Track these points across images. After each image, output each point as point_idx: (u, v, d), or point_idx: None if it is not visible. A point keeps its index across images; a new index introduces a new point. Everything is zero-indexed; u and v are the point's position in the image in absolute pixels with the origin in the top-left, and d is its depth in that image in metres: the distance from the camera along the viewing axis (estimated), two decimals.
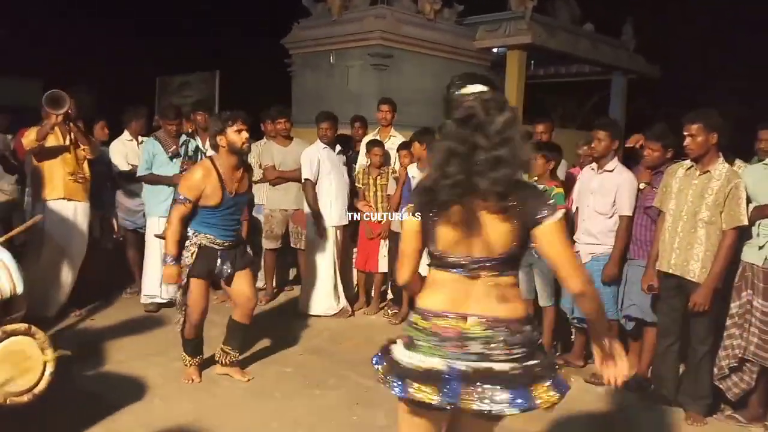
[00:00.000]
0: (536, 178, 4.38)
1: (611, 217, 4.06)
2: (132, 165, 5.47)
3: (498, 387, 1.76)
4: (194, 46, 12.15)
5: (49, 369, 2.72)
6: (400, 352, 1.90)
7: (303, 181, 5.23)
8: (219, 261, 3.72)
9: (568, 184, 4.55)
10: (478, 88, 1.85)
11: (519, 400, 1.76)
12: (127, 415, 3.37)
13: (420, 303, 1.94)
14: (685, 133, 3.54)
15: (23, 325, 2.75)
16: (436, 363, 1.81)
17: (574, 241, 4.24)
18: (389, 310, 5.40)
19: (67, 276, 4.80)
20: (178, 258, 3.67)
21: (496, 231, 1.82)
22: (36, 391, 2.71)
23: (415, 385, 1.80)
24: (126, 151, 5.54)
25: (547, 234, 1.82)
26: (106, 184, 5.43)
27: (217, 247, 3.71)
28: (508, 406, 1.75)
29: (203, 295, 3.77)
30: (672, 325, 3.73)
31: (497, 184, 1.75)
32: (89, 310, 5.12)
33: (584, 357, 4.43)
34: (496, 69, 9.62)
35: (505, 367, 1.80)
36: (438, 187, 1.80)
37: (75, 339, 4.46)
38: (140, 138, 5.64)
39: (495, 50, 9.39)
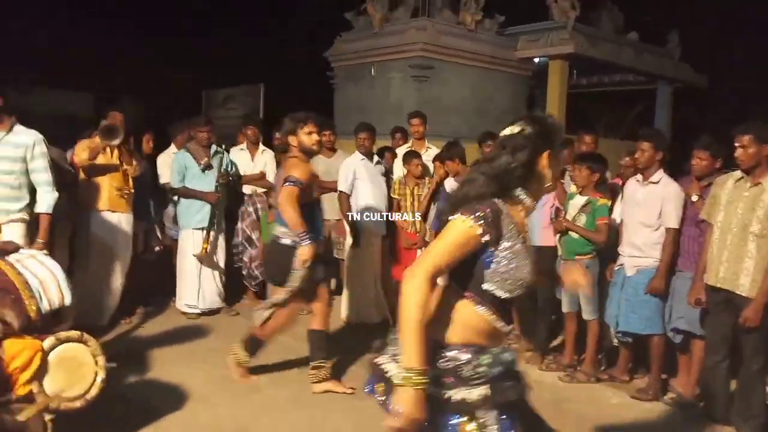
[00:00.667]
0: (581, 189, 4.34)
1: (657, 229, 3.98)
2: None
3: None
4: (239, 59, 12.42)
5: (101, 375, 2.82)
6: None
7: (338, 192, 5.29)
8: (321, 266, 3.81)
9: (611, 195, 4.49)
10: (513, 129, 1.88)
11: None
12: (171, 421, 3.45)
13: None
14: (737, 144, 3.46)
15: (76, 333, 2.86)
16: None
17: (618, 255, 4.17)
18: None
19: (116, 284, 4.94)
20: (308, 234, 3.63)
21: None
22: (88, 397, 2.81)
23: None
24: (171, 163, 5.69)
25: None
26: (149, 197, 5.57)
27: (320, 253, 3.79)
28: None
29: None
30: (721, 340, 3.62)
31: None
32: (137, 318, 5.26)
33: (629, 372, 4.34)
34: (537, 79, 9.56)
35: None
36: None
37: (122, 346, 4.59)
38: None
39: (536, 60, 9.33)
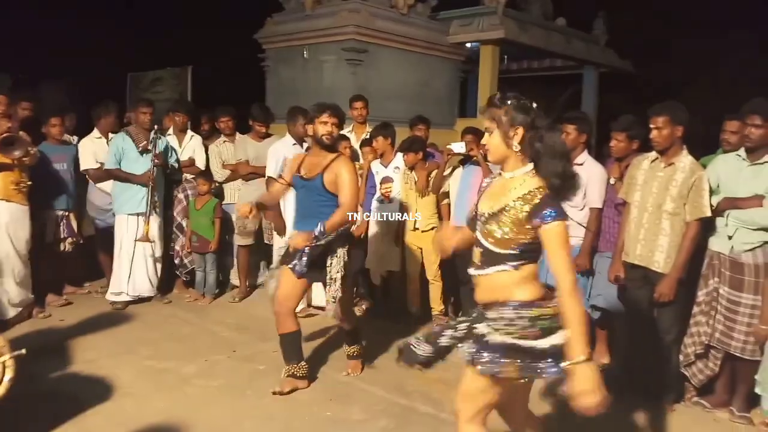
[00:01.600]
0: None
1: (582, 209, 4.12)
2: (101, 163, 5.40)
3: None
4: (166, 40, 11.99)
5: (9, 375, 2.67)
6: (542, 343, 2.12)
7: (266, 178, 5.18)
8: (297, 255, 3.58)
9: None
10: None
11: None
12: (98, 415, 3.35)
13: (534, 296, 2.19)
14: (651, 126, 3.59)
15: None
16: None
17: None
18: (362, 305, 5.41)
19: (16, 277, 4.64)
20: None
21: None
22: None
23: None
24: (95, 149, 5.47)
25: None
26: (67, 184, 5.31)
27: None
28: None
29: (286, 282, 3.62)
30: (638, 314, 3.80)
31: None
32: (58, 310, 5.05)
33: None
34: (469, 64, 9.67)
35: None
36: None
37: (43, 339, 4.40)
38: (110, 135, 5.57)
39: (468, 45, 9.43)
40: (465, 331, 2.31)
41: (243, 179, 5.56)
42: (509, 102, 2.21)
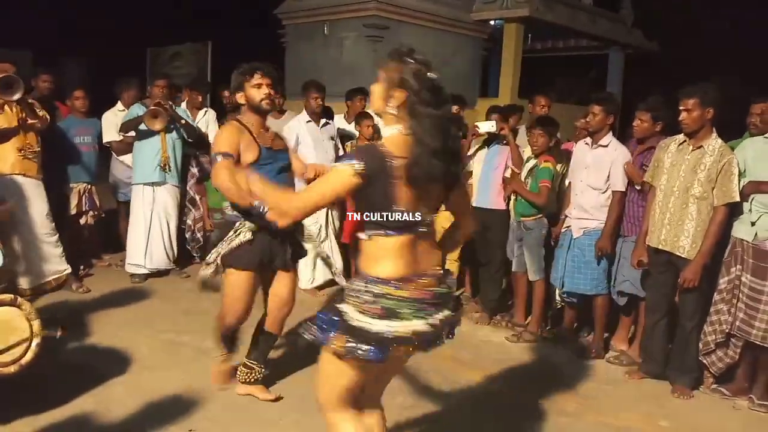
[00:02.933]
0: (537, 154, 4.37)
1: (605, 192, 4.04)
2: (125, 136, 5.42)
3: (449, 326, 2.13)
4: (186, 15, 11.95)
5: (36, 340, 2.72)
6: (373, 324, 1.96)
7: None
8: (271, 251, 3.11)
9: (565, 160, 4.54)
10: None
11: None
12: (117, 386, 3.38)
13: (383, 273, 1.99)
14: (681, 108, 3.50)
15: (9, 296, 2.75)
16: (418, 325, 1.99)
17: (565, 216, 4.23)
18: None
19: (35, 251, 4.63)
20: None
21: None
22: (23, 362, 2.71)
23: (394, 346, 1.98)
24: (117, 122, 5.47)
25: None
26: (90, 157, 5.33)
27: (271, 230, 2.96)
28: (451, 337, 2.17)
29: (249, 291, 3.15)
30: (661, 300, 3.74)
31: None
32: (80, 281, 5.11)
33: (574, 331, 4.45)
34: (492, 42, 9.51)
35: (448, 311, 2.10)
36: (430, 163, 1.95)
37: (64, 311, 4.46)
38: None
39: (492, 23, 9.26)
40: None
41: None
42: (408, 61, 2.02)
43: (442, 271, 2.12)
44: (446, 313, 2.08)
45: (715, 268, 3.60)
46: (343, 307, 2.00)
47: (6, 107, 4.41)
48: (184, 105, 5.79)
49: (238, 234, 3.06)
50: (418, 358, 3.86)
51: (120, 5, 11.71)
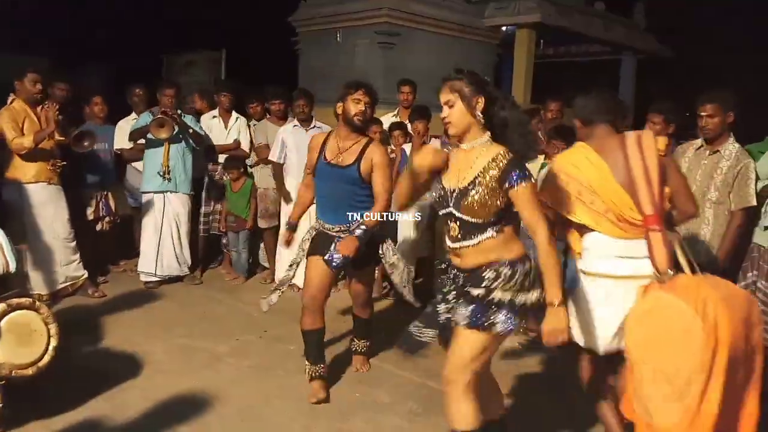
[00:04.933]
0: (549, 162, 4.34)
1: None
2: (136, 144, 5.47)
3: None
4: (200, 23, 12.06)
5: (53, 343, 2.75)
6: (531, 296, 2.38)
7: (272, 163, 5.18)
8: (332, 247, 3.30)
9: None
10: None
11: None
12: (131, 390, 3.40)
13: (519, 251, 2.41)
14: (702, 114, 3.49)
15: (28, 299, 2.79)
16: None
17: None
18: (391, 296, 5.38)
19: (54, 256, 4.68)
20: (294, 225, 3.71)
21: None
22: (40, 364, 2.75)
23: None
24: (128, 130, 5.51)
25: None
26: (106, 163, 5.40)
27: (329, 232, 3.37)
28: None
29: (318, 274, 3.37)
30: None
31: None
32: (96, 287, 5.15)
33: None
34: (504, 48, 9.52)
35: None
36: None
37: (78, 316, 4.49)
38: None
39: (504, 29, 9.28)
40: (455, 299, 2.45)
41: (263, 162, 5.54)
42: (467, 73, 2.34)
43: None
44: None
45: (734, 274, 3.56)
46: (501, 295, 2.32)
47: (32, 118, 4.49)
48: (213, 115, 5.75)
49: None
50: (430, 363, 3.87)
51: (137, 13, 11.84)
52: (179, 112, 5.27)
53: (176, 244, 5.36)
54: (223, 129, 5.68)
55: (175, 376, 3.61)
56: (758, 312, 2.41)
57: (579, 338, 2.64)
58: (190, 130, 5.25)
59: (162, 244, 5.28)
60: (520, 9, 8.81)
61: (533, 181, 2.29)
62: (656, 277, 2.44)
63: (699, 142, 3.59)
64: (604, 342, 2.57)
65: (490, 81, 2.36)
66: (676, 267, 2.42)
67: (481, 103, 2.30)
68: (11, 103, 4.52)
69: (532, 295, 2.34)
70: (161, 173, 5.17)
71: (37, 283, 4.58)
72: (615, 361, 2.63)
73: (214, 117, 5.73)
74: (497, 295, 2.31)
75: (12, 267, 2.82)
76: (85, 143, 4.69)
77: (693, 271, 2.43)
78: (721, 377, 2.22)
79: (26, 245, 4.45)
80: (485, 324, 2.32)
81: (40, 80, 4.50)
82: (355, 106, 3.30)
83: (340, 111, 3.38)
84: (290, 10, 9.03)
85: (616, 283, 2.52)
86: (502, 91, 2.39)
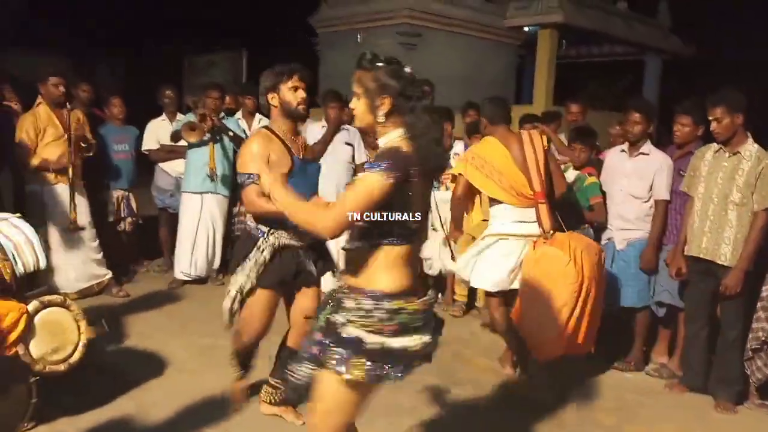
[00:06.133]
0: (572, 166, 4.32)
1: (647, 201, 3.96)
2: (162, 144, 5.52)
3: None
4: (221, 24, 12.15)
5: (83, 341, 2.81)
6: (393, 341, 1.90)
7: None
8: (296, 267, 2.95)
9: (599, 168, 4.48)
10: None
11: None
12: (154, 389, 3.44)
13: (392, 286, 1.94)
14: (710, 118, 3.49)
15: (59, 297, 2.86)
16: (425, 338, 1.98)
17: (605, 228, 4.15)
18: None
19: (78, 255, 4.75)
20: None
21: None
22: (71, 361, 2.81)
23: (416, 361, 2.00)
24: (159, 131, 5.58)
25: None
26: (127, 164, 5.46)
27: (296, 244, 2.91)
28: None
29: (268, 309, 2.99)
30: (700, 310, 3.66)
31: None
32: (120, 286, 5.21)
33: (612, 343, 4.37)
34: (526, 48, 9.46)
35: None
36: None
37: (101, 314, 4.54)
38: (178, 116, 5.68)
39: (526, 29, 9.22)
40: (325, 324, 1.99)
41: None
42: (379, 65, 1.97)
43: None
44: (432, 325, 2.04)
45: (759, 276, 3.50)
46: (352, 330, 1.88)
47: (55, 123, 4.55)
48: (239, 114, 5.77)
49: (262, 252, 2.87)
50: (454, 365, 3.86)
51: (157, 13, 11.96)
52: (222, 114, 5.28)
53: (210, 245, 5.36)
54: (247, 130, 5.70)
55: (198, 375, 3.64)
56: (603, 257, 3.55)
57: (489, 286, 3.61)
58: (231, 133, 5.24)
59: (196, 244, 5.31)
60: (542, 9, 8.76)
61: (386, 176, 1.85)
62: (542, 234, 3.52)
63: (716, 145, 3.56)
64: (504, 283, 3.58)
65: (408, 76, 1.97)
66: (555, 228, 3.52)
67: (386, 104, 1.95)
68: (37, 106, 4.59)
69: (395, 342, 1.90)
70: (209, 174, 5.18)
71: (61, 281, 4.65)
72: (509, 295, 3.64)
73: (238, 118, 5.77)
74: (350, 330, 1.91)
75: (42, 264, 2.87)
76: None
77: (563, 231, 3.53)
78: (588, 301, 3.37)
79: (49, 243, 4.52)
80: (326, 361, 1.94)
81: (63, 83, 4.55)
82: (293, 94, 2.90)
83: (275, 103, 2.93)
84: (311, 11, 9.06)
85: (516, 241, 3.57)
86: (419, 89, 1.99)
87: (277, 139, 2.91)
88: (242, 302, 2.94)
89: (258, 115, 5.78)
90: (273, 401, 3.17)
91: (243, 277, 2.88)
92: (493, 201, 3.66)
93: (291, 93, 2.90)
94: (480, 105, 4.16)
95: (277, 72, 2.91)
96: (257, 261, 2.86)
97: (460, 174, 3.79)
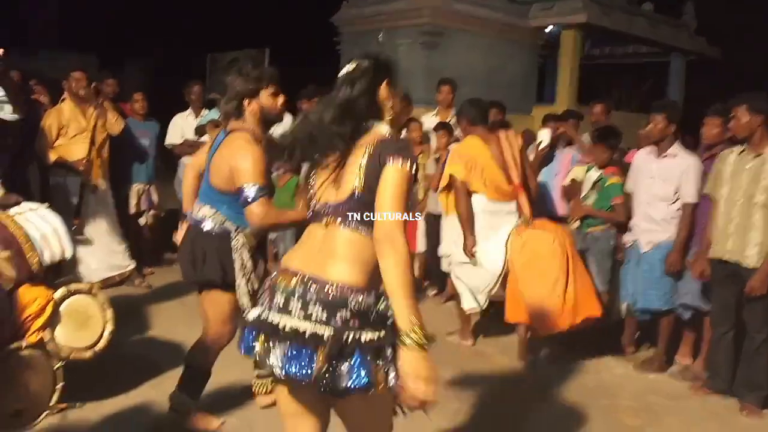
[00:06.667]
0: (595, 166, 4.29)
1: (674, 203, 3.91)
2: (186, 139, 5.58)
3: (279, 343, 1.70)
4: (244, 22, 12.25)
5: (109, 328, 2.83)
6: (385, 336, 1.76)
7: None
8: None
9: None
10: (348, 67, 1.92)
11: (292, 363, 1.67)
12: (174, 378, 3.39)
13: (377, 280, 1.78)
14: (731, 116, 3.52)
15: (86, 285, 2.89)
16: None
17: (628, 229, 4.10)
18: (429, 291, 5.36)
19: (101, 245, 4.78)
20: None
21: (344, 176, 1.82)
22: (96, 348, 2.84)
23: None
24: (183, 126, 5.64)
25: (384, 176, 1.75)
26: (149, 158, 5.52)
27: (253, 244, 2.84)
28: (279, 367, 1.68)
29: (237, 309, 2.84)
30: (725, 312, 3.61)
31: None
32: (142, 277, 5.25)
33: (635, 344, 4.32)
34: (549, 49, 9.40)
35: (300, 325, 1.71)
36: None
37: (124, 305, 4.59)
38: (204, 111, 5.73)
39: (549, 29, 9.16)
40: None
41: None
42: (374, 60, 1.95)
43: None
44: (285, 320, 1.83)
45: None
46: (363, 335, 1.71)
47: (79, 115, 4.63)
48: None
49: (240, 251, 2.76)
50: (475, 368, 3.84)
51: (182, 11, 12.09)
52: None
53: None
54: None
55: (218, 366, 3.62)
56: (572, 238, 3.99)
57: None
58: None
59: None
60: (565, 9, 8.69)
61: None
62: (524, 221, 3.98)
63: (740, 147, 3.55)
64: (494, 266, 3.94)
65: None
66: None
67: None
68: (62, 101, 4.66)
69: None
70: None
71: (84, 271, 4.70)
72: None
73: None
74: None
75: (69, 254, 2.91)
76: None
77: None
78: (577, 273, 3.81)
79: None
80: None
81: (84, 78, 4.63)
82: (274, 100, 2.82)
83: (252, 108, 2.79)
84: (334, 10, 9.08)
85: (496, 231, 3.96)
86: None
87: (259, 146, 2.76)
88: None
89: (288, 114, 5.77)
90: (267, 391, 3.16)
91: (244, 286, 2.77)
92: (476, 194, 3.96)
93: (272, 99, 2.83)
94: (460, 107, 4.34)
95: (256, 78, 2.80)
96: (244, 265, 2.76)
97: (452, 175, 3.92)
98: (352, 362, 1.67)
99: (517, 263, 3.86)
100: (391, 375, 1.70)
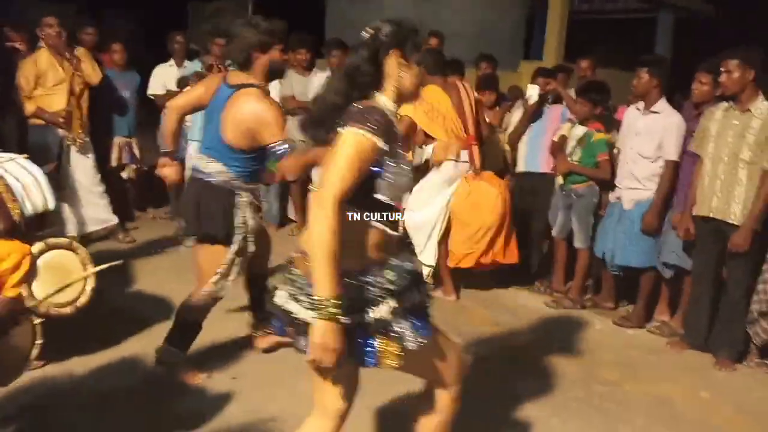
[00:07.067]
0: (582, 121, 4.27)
1: (656, 161, 3.92)
2: (168, 90, 5.44)
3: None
4: None
5: (90, 284, 2.80)
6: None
7: None
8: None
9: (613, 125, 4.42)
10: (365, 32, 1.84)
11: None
12: (161, 332, 3.40)
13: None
14: (722, 70, 3.44)
15: (65, 240, 2.83)
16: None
17: (614, 186, 4.12)
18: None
19: (85, 200, 4.75)
20: None
21: None
22: (78, 304, 2.79)
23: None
24: (165, 76, 5.50)
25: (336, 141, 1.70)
26: (129, 111, 5.40)
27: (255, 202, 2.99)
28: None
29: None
30: (706, 270, 3.67)
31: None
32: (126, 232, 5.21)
33: (614, 299, 4.40)
34: (538, 2, 9.23)
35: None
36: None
37: (109, 259, 4.56)
38: (185, 63, 5.58)
39: None
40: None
41: (289, 114, 5.46)
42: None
43: None
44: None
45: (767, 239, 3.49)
46: (381, 310, 1.71)
47: (57, 65, 4.50)
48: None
49: (244, 208, 2.85)
50: (458, 322, 3.89)
51: None
52: (228, 62, 5.19)
53: None
54: (306, 86, 5.33)
55: (206, 320, 3.66)
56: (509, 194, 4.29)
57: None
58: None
59: None
60: None
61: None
62: (473, 171, 4.23)
63: (726, 104, 3.53)
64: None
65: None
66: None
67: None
68: (37, 50, 4.51)
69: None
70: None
71: (68, 226, 4.66)
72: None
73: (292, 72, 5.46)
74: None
75: (51, 205, 2.85)
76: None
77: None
78: (506, 225, 4.22)
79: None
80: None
81: (55, 23, 4.47)
82: (281, 56, 2.90)
83: (263, 63, 2.80)
84: None
85: (451, 177, 4.14)
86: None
87: (270, 99, 2.85)
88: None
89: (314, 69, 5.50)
90: (266, 333, 3.23)
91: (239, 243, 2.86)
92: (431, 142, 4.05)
93: (281, 53, 2.89)
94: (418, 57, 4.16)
95: (269, 31, 2.80)
96: (245, 222, 2.85)
97: (406, 116, 3.84)
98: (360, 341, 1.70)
99: (457, 207, 4.19)
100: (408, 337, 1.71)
